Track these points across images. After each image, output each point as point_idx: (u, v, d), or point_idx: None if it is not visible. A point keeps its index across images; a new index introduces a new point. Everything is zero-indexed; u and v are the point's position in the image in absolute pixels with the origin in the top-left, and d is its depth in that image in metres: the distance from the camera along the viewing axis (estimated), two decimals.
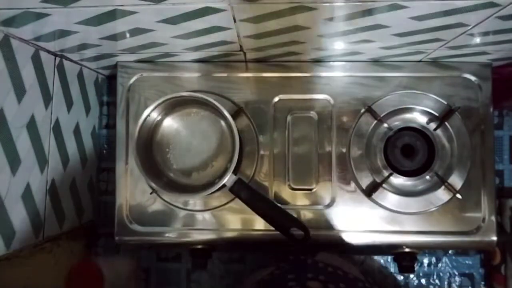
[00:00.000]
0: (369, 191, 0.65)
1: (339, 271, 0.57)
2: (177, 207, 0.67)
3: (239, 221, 0.67)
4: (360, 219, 0.66)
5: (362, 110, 0.67)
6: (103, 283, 0.66)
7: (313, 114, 0.68)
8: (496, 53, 0.62)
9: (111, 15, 0.47)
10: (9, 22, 0.48)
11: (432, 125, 0.66)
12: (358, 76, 0.68)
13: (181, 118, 0.67)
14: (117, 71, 0.69)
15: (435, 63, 0.67)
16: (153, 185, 0.60)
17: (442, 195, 0.65)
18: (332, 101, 0.68)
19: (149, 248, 0.78)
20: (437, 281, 0.77)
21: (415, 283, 0.77)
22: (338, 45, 0.60)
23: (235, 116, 0.65)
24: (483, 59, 0.65)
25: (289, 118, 0.68)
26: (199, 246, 0.68)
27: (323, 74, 0.68)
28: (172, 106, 0.65)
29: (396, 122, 0.67)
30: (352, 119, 0.67)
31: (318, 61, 0.68)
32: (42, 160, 0.61)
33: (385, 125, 0.66)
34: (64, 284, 0.65)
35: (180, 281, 0.79)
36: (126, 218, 0.67)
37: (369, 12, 0.46)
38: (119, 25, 0.51)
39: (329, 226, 0.66)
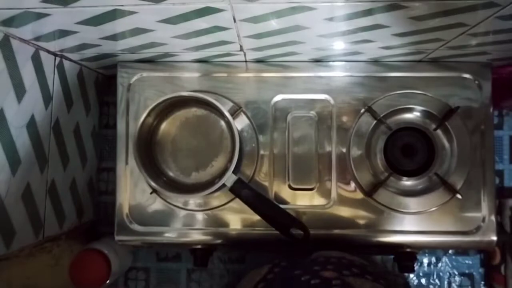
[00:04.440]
0: (369, 191, 0.65)
1: (343, 260, 0.55)
2: (177, 207, 0.67)
3: (239, 221, 0.67)
4: (360, 219, 0.66)
5: (362, 110, 0.67)
6: (108, 271, 0.66)
7: (313, 114, 0.68)
8: (496, 53, 0.62)
9: (111, 15, 0.47)
10: (9, 22, 0.48)
11: (432, 125, 0.66)
12: (358, 76, 0.68)
13: (181, 118, 0.67)
14: (117, 71, 0.69)
15: (435, 63, 0.67)
16: (153, 184, 0.60)
17: (442, 195, 0.65)
18: (332, 101, 0.68)
19: (149, 248, 0.78)
20: (437, 280, 0.77)
21: (415, 283, 0.77)
22: (338, 45, 0.60)
23: (235, 116, 0.65)
24: (483, 59, 0.65)
25: (289, 118, 0.68)
26: (199, 246, 0.68)
27: (323, 74, 0.68)
28: (172, 106, 0.65)
29: (396, 122, 0.67)
30: (352, 119, 0.67)
31: (318, 61, 0.68)
32: (42, 160, 0.61)
33: (385, 125, 0.66)
34: (68, 273, 0.65)
35: (180, 281, 0.79)
36: (126, 218, 0.67)
37: (369, 12, 0.46)
38: (119, 25, 0.51)
39: (329, 226, 0.66)
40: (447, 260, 0.77)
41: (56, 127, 0.64)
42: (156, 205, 0.67)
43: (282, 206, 0.63)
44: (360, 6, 0.44)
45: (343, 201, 0.66)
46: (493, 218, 0.65)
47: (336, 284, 0.46)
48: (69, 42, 0.57)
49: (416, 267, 0.75)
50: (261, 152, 0.67)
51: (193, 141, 0.66)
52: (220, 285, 0.79)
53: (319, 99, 0.68)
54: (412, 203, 0.65)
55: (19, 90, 0.55)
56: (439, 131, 0.66)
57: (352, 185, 0.67)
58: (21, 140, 0.56)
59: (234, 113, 0.65)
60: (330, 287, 0.46)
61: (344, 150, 0.67)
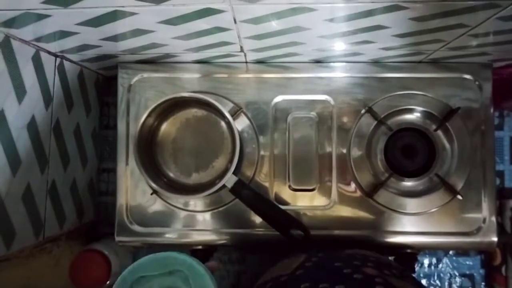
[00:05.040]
0: (370, 192, 0.65)
1: (381, 259, 0.54)
2: (178, 208, 0.67)
3: (240, 221, 0.66)
4: (361, 219, 0.66)
5: (363, 111, 0.67)
6: (109, 271, 0.67)
7: (313, 114, 0.68)
8: (496, 54, 0.62)
9: (112, 16, 0.47)
10: (10, 23, 0.48)
11: (433, 126, 0.66)
12: (359, 77, 0.68)
13: (181, 118, 0.67)
14: (117, 71, 0.69)
15: (435, 63, 0.67)
16: (154, 185, 0.60)
17: (442, 195, 0.65)
18: (332, 102, 0.68)
19: (150, 248, 0.78)
20: (437, 281, 0.77)
21: None
22: (339, 46, 0.60)
23: (235, 116, 0.65)
24: (483, 60, 0.65)
25: (289, 118, 0.68)
26: (200, 247, 0.68)
27: (324, 74, 0.68)
28: (173, 107, 0.65)
29: (397, 122, 0.67)
30: (353, 120, 0.67)
31: (318, 62, 0.68)
32: (42, 161, 0.61)
33: (386, 125, 0.66)
34: (68, 274, 0.65)
35: None
36: (126, 219, 0.67)
37: (369, 13, 0.46)
38: (120, 26, 0.51)
39: (329, 226, 0.66)
40: (447, 261, 0.77)
41: (57, 127, 0.64)
42: (157, 206, 0.67)
43: (282, 207, 0.63)
44: (361, 7, 0.44)
45: (343, 201, 0.66)
46: (493, 219, 0.65)
47: (379, 282, 0.45)
48: (69, 43, 0.57)
49: (416, 268, 0.75)
50: (262, 153, 0.67)
51: (193, 142, 0.66)
52: (220, 286, 0.78)
53: (319, 99, 0.68)
54: (413, 204, 0.65)
55: (20, 91, 0.55)
56: (439, 132, 0.66)
57: (353, 185, 0.67)
58: (22, 140, 0.56)
59: (235, 113, 0.65)
60: (373, 285, 0.44)
61: (344, 150, 0.67)
